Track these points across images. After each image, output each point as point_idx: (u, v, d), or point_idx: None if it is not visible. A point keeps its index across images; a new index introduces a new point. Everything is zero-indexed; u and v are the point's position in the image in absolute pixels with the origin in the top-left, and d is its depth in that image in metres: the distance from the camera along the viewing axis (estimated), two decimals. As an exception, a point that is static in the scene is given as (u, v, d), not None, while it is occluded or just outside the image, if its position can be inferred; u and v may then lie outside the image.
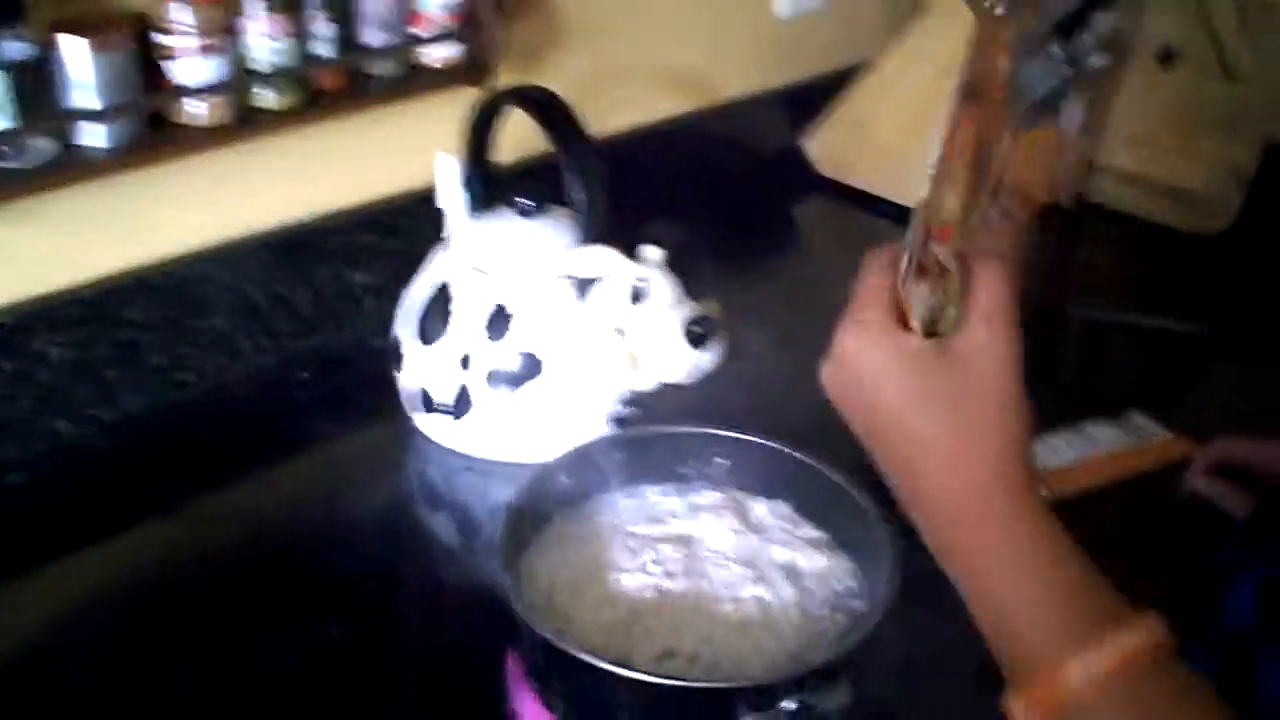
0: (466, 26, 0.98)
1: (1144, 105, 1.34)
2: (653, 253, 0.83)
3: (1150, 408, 1.00)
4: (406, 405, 0.92)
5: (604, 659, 0.63)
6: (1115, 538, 0.88)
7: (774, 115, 1.38)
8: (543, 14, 1.09)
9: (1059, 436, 0.96)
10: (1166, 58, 1.32)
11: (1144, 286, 1.23)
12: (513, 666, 0.72)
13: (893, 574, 0.69)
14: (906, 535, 0.70)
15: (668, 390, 0.84)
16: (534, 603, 0.70)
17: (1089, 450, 0.95)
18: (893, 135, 1.33)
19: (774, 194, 1.38)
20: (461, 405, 0.88)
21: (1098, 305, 1.18)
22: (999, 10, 1.25)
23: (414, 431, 0.93)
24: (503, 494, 0.87)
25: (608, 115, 1.15)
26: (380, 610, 0.78)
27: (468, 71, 1.01)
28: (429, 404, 0.90)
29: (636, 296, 0.81)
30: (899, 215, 1.31)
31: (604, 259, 0.81)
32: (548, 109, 0.86)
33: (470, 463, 0.90)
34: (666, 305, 0.81)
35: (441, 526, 0.88)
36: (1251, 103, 1.29)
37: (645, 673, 0.65)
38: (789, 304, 1.18)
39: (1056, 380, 1.10)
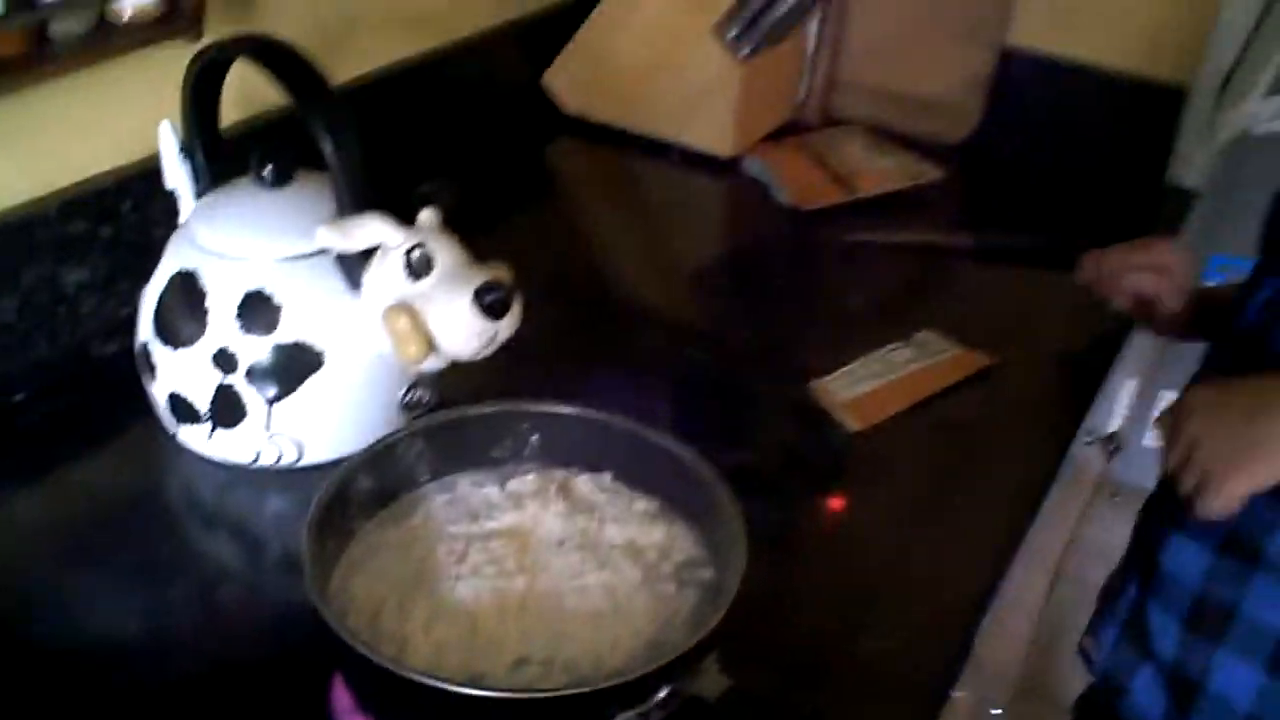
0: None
1: (878, 14, 1.34)
2: (428, 216, 0.74)
3: (935, 325, 1.00)
4: (163, 418, 0.80)
5: (451, 681, 0.56)
6: (933, 455, 0.88)
7: (515, 51, 1.29)
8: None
9: (855, 365, 0.94)
10: (896, -33, 1.32)
11: (902, 201, 1.22)
12: (339, 702, 0.63)
13: (740, 534, 0.64)
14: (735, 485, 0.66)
15: (458, 366, 0.76)
16: (358, 626, 0.61)
17: (888, 376, 0.94)
18: (633, 66, 1.27)
19: (521, 135, 1.30)
20: (225, 411, 0.77)
21: (865, 225, 1.17)
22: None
23: (174, 447, 0.81)
24: (289, 505, 0.78)
25: (338, 64, 1.03)
26: (159, 662, 0.67)
27: (169, 23, 0.87)
28: (187, 414, 0.78)
29: (415, 266, 0.72)
30: (648, 148, 1.28)
31: (373, 228, 0.72)
32: (282, 61, 0.75)
33: (246, 474, 0.79)
34: (451, 273, 0.72)
35: (222, 551, 0.77)
36: (977, 5, 1.31)
37: (501, 690, 0.58)
38: (549, 253, 1.12)
39: (839, 308, 1.09)
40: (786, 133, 1.33)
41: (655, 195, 1.27)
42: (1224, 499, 0.67)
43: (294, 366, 0.76)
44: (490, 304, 0.71)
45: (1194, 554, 0.74)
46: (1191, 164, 1.28)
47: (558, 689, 0.58)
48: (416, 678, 0.56)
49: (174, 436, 0.81)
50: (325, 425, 0.78)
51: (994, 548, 0.79)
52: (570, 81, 1.31)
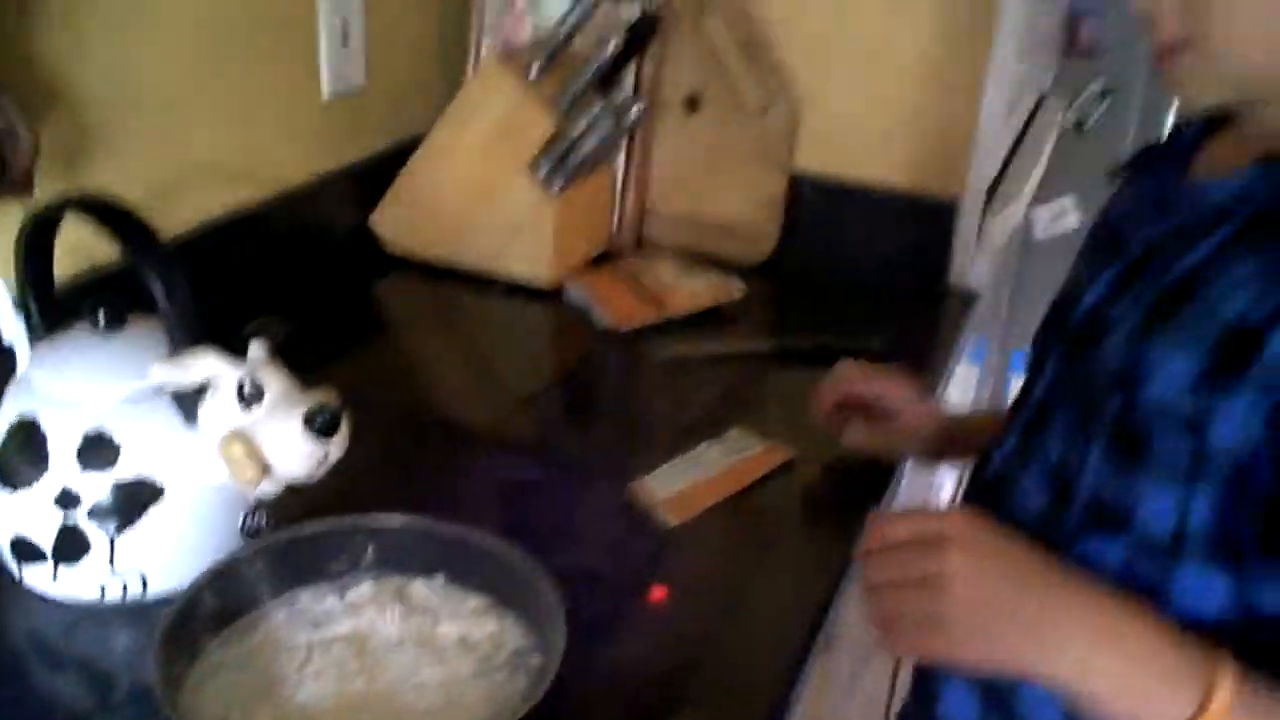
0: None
1: (680, 148, 1.46)
2: (257, 349, 0.79)
3: (743, 423, 1.09)
4: (6, 562, 0.83)
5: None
6: (742, 544, 0.96)
7: (340, 196, 1.36)
8: (72, 115, 1.02)
9: (671, 465, 1.03)
10: (692, 104, 1.45)
11: (711, 316, 1.33)
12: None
13: (560, 619, 0.70)
14: (565, 581, 0.73)
15: (295, 489, 0.81)
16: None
17: (701, 473, 1.02)
18: (453, 206, 1.36)
19: (351, 276, 1.36)
20: (68, 548, 0.80)
21: (678, 340, 1.27)
22: (535, 71, 1.32)
23: (18, 591, 0.83)
24: (137, 638, 0.81)
25: (171, 215, 1.09)
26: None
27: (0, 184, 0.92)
28: (30, 555, 0.81)
29: (247, 396, 0.77)
30: (472, 282, 1.35)
31: (206, 362, 0.77)
32: (111, 215, 0.80)
33: (93, 612, 0.82)
34: (282, 400, 0.78)
35: (71, 691, 0.79)
36: (768, 135, 1.44)
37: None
38: (382, 382, 1.18)
39: (656, 416, 1.17)
40: (603, 260, 1.43)
41: (482, 325, 1.34)
42: (903, 651, 0.72)
43: (135, 501, 0.80)
44: (320, 426, 0.77)
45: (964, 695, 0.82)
46: (967, 267, 1.42)
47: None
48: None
49: (18, 581, 0.83)
50: (168, 556, 0.81)
51: (798, 626, 0.87)
52: (395, 223, 1.39)
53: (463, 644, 0.73)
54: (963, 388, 1.98)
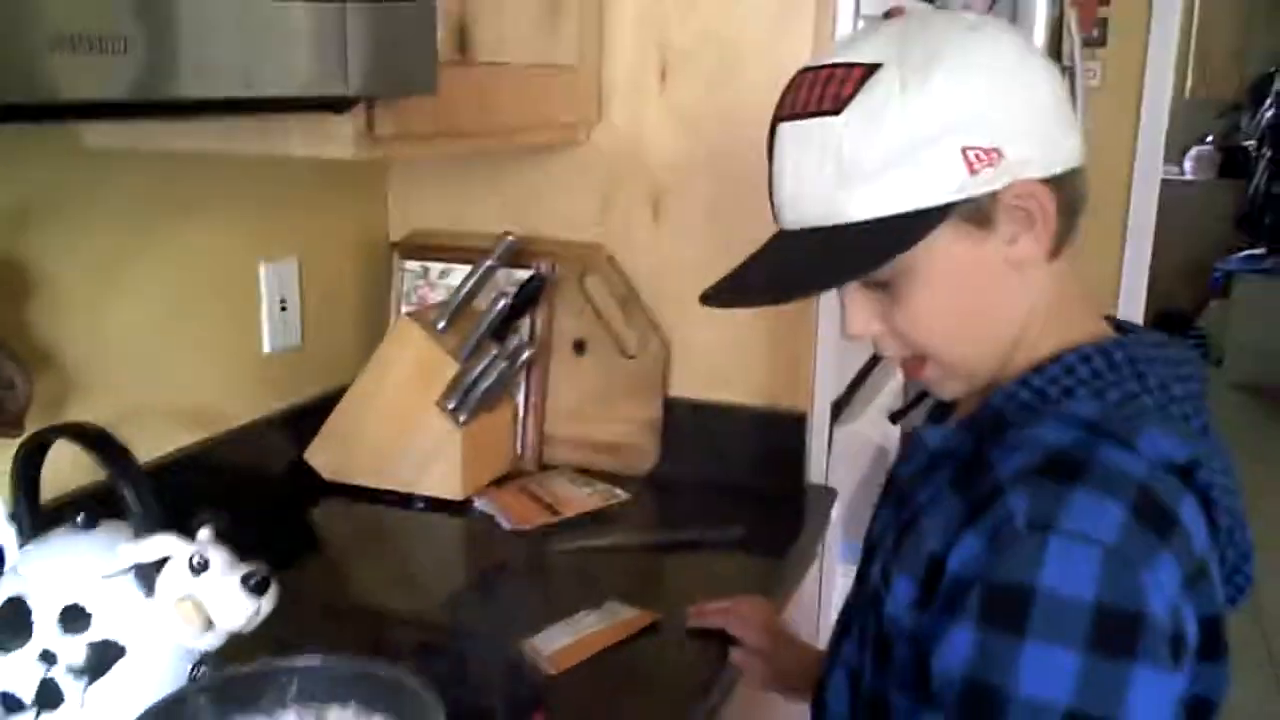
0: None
1: (571, 384, 1.72)
2: (204, 532, 1.01)
3: (621, 597, 1.30)
4: (-11, 718, 1.01)
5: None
6: (612, 686, 1.15)
7: (279, 435, 1.60)
8: (60, 367, 1.26)
9: (555, 627, 1.23)
10: (579, 347, 1.72)
11: (599, 517, 1.56)
12: None
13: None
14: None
15: (235, 640, 1.01)
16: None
17: (580, 632, 1.23)
18: (377, 438, 1.60)
19: (290, 503, 1.58)
20: (47, 698, 0.98)
21: (571, 537, 1.49)
22: (441, 325, 1.60)
23: (-2, 742, 1.01)
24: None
25: (134, 450, 1.32)
26: None
27: None
28: (14, 706, 0.99)
29: (196, 567, 0.98)
30: (395, 501, 1.57)
31: (164, 541, 0.98)
32: (96, 439, 1.04)
33: (62, 754, 1.00)
34: (224, 569, 0.99)
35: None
36: (644, 371, 1.71)
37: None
38: (316, 588, 1.38)
39: (548, 594, 1.38)
40: (507, 478, 1.66)
41: (405, 535, 1.56)
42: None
43: (103, 658, 0.99)
44: (253, 585, 0.98)
45: None
46: (819, 468, 1.67)
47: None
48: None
49: (-1, 732, 1.01)
50: (130, 702, 1.00)
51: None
52: (327, 455, 1.62)
53: (368, 751, 0.92)
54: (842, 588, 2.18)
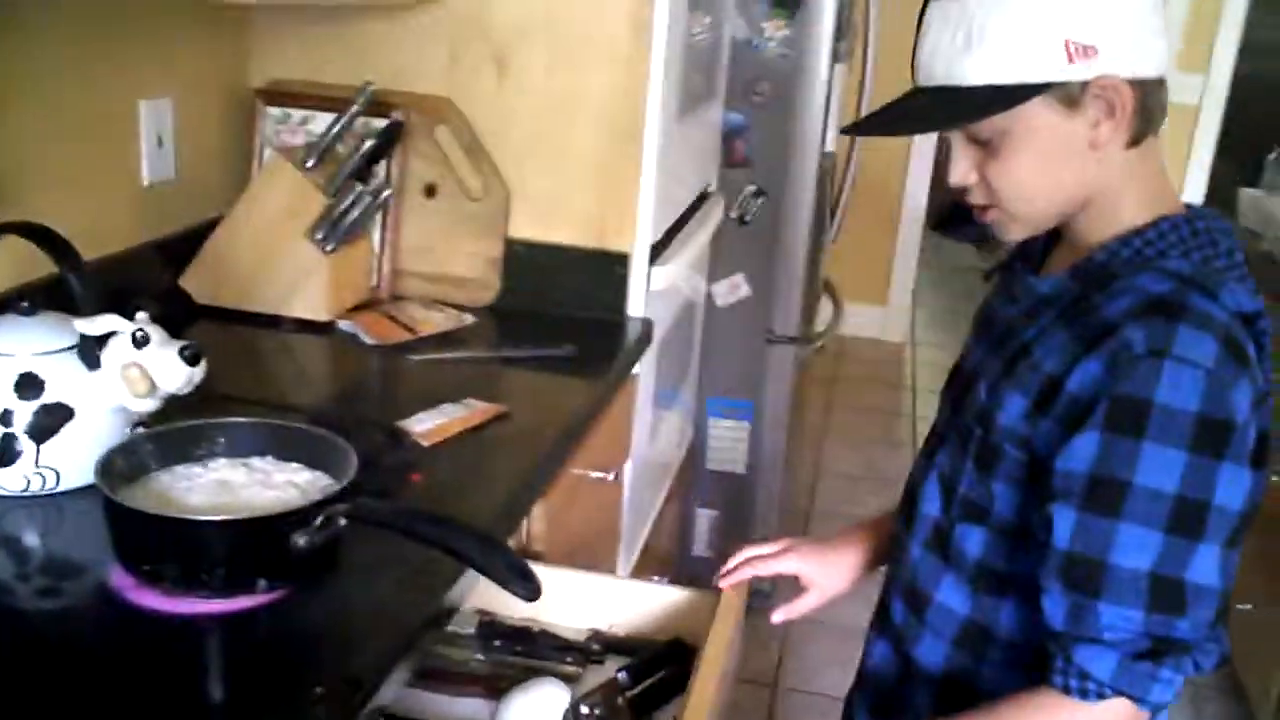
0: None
1: (421, 223, 1.94)
2: (141, 314, 1.21)
3: (476, 395, 1.55)
4: (-50, 469, 1.19)
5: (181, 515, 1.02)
6: (470, 457, 1.40)
7: (157, 261, 1.76)
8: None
9: (423, 413, 1.47)
10: (430, 191, 1.93)
11: (450, 338, 1.79)
12: (121, 582, 1.05)
13: (353, 460, 1.14)
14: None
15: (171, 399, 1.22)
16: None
17: (445, 417, 1.47)
18: (249, 264, 1.78)
19: (167, 324, 1.75)
20: (4, 454, 1.17)
21: (427, 350, 1.72)
22: (310, 163, 1.78)
23: (-39, 489, 1.19)
24: (51, 517, 1.18)
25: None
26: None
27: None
28: (-28, 461, 1.18)
29: (139, 341, 1.18)
30: (265, 322, 1.76)
31: (109, 319, 1.18)
32: (43, 234, 1.22)
33: (18, 501, 1.19)
34: (161, 343, 1.19)
35: (8, 556, 1.16)
36: (487, 213, 1.93)
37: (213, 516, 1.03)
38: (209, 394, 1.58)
39: (414, 393, 1.62)
40: (365, 306, 1.87)
41: (278, 351, 1.76)
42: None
43: (54, 419, 1.18)
44: (189, 356, 1.19)
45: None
46: (637, 301, 1.94)
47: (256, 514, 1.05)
48: (158, 511, 1.01)
49: (-42, 483, 1.20)
50: (76, 459, 1.19)
51: (513, 480, 1.33)
52: (201, 281, 1.80)
53: (290, 484, 1.15)
54: (669, 430, 2.49)
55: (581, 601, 1.34)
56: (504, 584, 0.98)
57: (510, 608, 1.30)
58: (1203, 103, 4.62)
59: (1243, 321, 1.01)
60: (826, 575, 1.35)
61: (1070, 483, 0.99)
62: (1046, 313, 1.09)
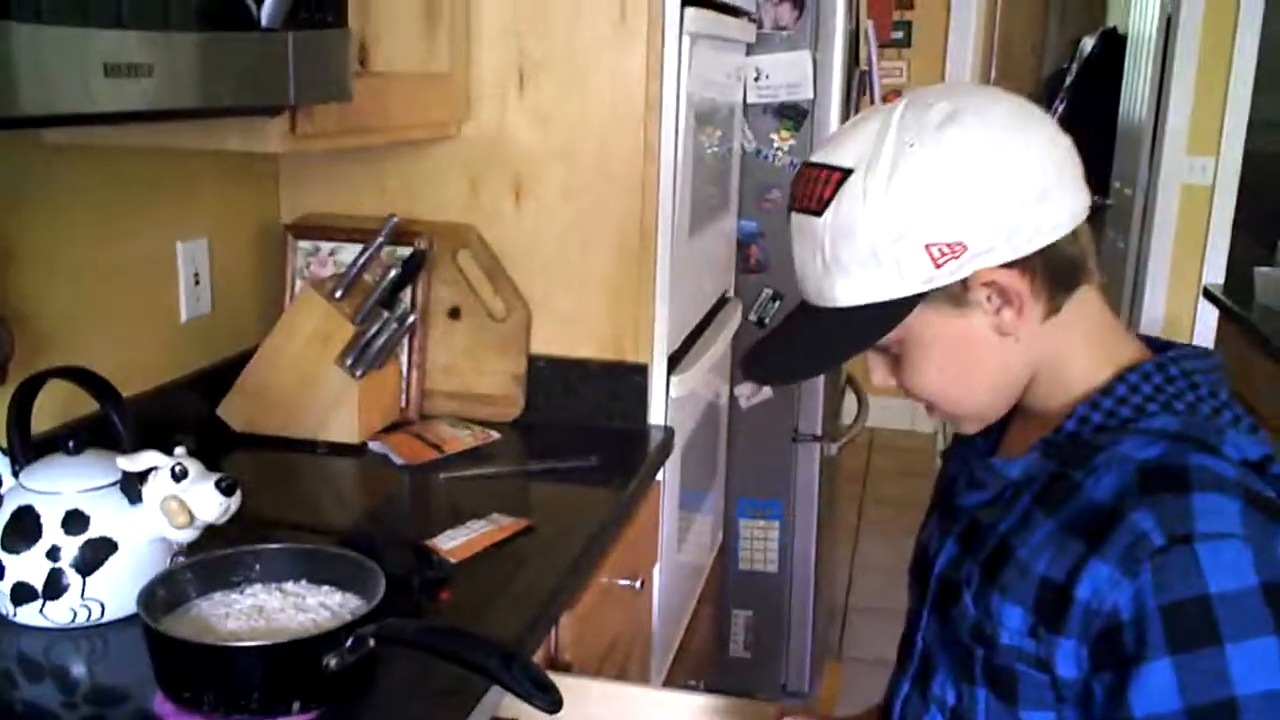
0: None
1: (447, 345, 2.01)
2: (179, 449, 1.28)
3: (502, 510, 1.61)
4: (2, 607, 1.25)
5: (217, 642, 1.07)
6: (496, 568, 1.45)
7: (195, 393, 1.84)
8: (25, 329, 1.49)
9: (451, 531, 1.52)
10: (454, 313, 2.01)
11: (476, 454, 1.85)
12: (162, 708, 1.10)
13: (380, 581, 1.19)
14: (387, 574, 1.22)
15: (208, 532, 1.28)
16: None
17: (472, 534, 1.53)
18: (283, 392, 1.86)
19: (206, 454, 1.82)
20: (52, 588, 1.23)
21: (454, 468, 1.78)
22: (338, 293, 1.87)
23: (8, 626, 1.25)
24: (97, 648, 1.24)
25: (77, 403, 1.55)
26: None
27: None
28: (25, 596, 1.23)
29: (178, 475, 1.25)
30: (299, 447, 1.82)
31: (149, 456, 1.25)
32: (85, 377, 1.29)
33: (65, 634, 1.25)
34: (199, 476, 1.26)
35: (58, 685, 1.22)
36: (510, 332, 2.01)
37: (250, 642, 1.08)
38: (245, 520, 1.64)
39: (442, 510, 1.68)
40: (394, 427, 1.94)
41: (312, 473, 1.83)
42: None
43: (99, 553, 1.25)
44: (225, 487, 1.25)
45: None
46: (658, 411, 2.00)
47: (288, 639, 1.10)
48: (196, 639, 1.06)
49: (11, 618, 1.25)
50: (120, 590, 1.25)
51: (537, 602, 1.37)
52: (237, 410, 1.88)
53: (322, 606, 1.20)
54: (698, 533, 2.52)
55: (629, 716, 1.35)
56: (526, 698, 1.02)
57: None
58: (1215, 183, 4.67)
59: (1253, 469, 0.89)
60: None
61: None
62: (1020, 499, 0.96)
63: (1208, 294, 3.68)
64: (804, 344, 1.00)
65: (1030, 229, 0.90)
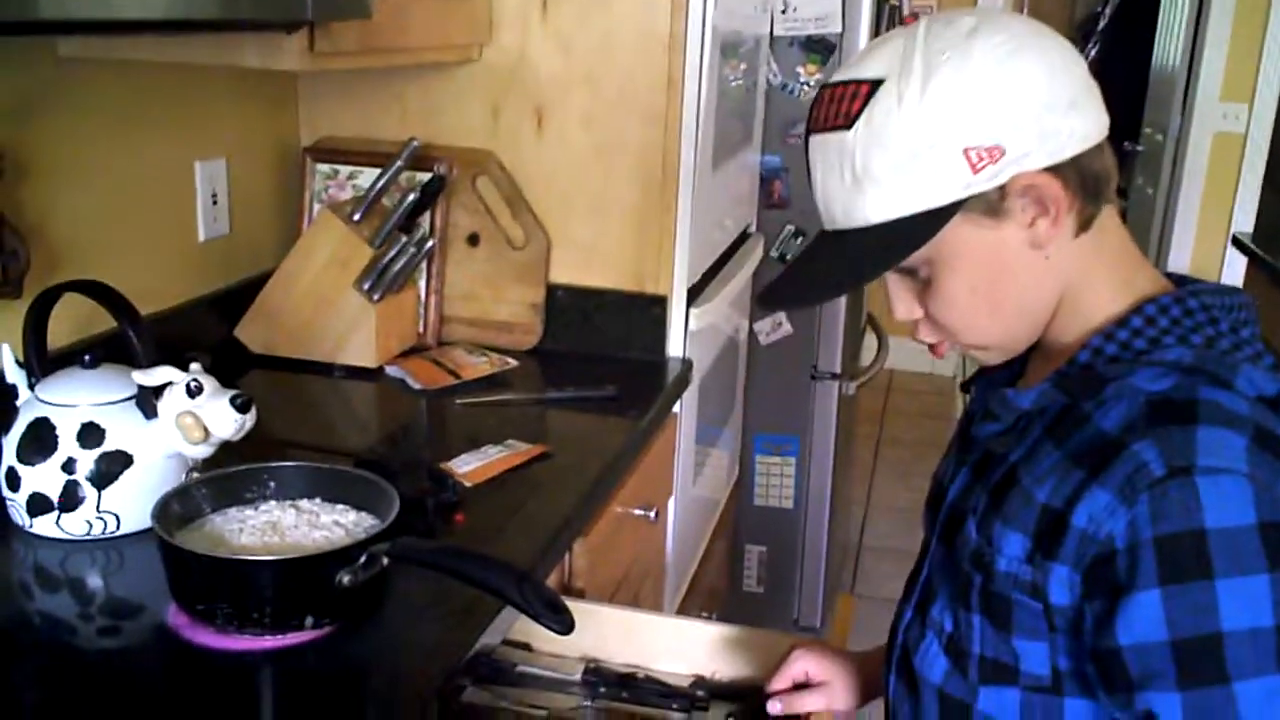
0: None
1: (466, 272, 2.00)
2: (195, 365, 1.27)
3: (518, 436, 1.60)
4: (18, 518, 1.25)
5: (231, 556, 1.07)
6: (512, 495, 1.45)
7: (213, 314, 1.84)
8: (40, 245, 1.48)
9: (466, 455, 1.52)
10: (473, 240, 2.00)
11: (494, 381, 1.85)
12: (177, 620, 1.11)
13: (395, 501, 1.18)
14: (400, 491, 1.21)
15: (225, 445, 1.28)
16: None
17: (487, 458, 1.52)
18: (300, 315, 1.85)
19: (223, 374, 1.82)
20: (68, 500, 1.24)
21: (472, 394, 1.78)
22: (356, 216, 1.85)
23: (25, 536, 1.26)
24: (113, 560, 1.24)
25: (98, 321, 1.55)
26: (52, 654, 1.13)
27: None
28: (41, 507, 1.24)
29: (193, 391, 1.24)
30: (317, 369, 1.82)
31: (165, 371, 1.24)
32: (103, 291, 1.28)
33: (80, 545, 1.26)
34: (214, 392, 1.25)
35: (76, 595, 1.22)
36: (529, 260, 1.99)
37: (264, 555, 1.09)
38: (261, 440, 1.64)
39: (458, 435, 1.67)
40: (412, 352, 1.94)
41: (330, 396, 1.83)
42: None
43: (114, 466, 1.25)
44: (240, 405, 1.25)
45: None
46: (677, 342, 1.99)
47: (302, 554, 1.10)
48: (221, 555, 1.06)
49: (29, 528, 1.26)
50: (135, 504, 1.26)
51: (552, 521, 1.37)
52: (255, 331, 1.87)
53: (336, 524, 1.20)
54: (714, 467, 2.52)
55: (683, 647, 1.33)
56: (537, 618, 1.02)
57: (614, 654, 1.32)
58: (1248, 132, 4.59)
59: (1270, 407, 0.88)
60: (834, 675, 1.21)
61: (1151, 660, 0.83)
62: (1032, 429, 0.95)
63: (1236, 242, 3.62)
64: (824, 268, 0.97)
65: (1065, 134, 0.89)
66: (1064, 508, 0.87)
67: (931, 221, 0.90)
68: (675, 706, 1.25)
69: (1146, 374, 0.88)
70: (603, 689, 1.26)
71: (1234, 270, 4.42)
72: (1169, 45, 5.10)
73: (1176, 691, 0.82)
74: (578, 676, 1.26)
